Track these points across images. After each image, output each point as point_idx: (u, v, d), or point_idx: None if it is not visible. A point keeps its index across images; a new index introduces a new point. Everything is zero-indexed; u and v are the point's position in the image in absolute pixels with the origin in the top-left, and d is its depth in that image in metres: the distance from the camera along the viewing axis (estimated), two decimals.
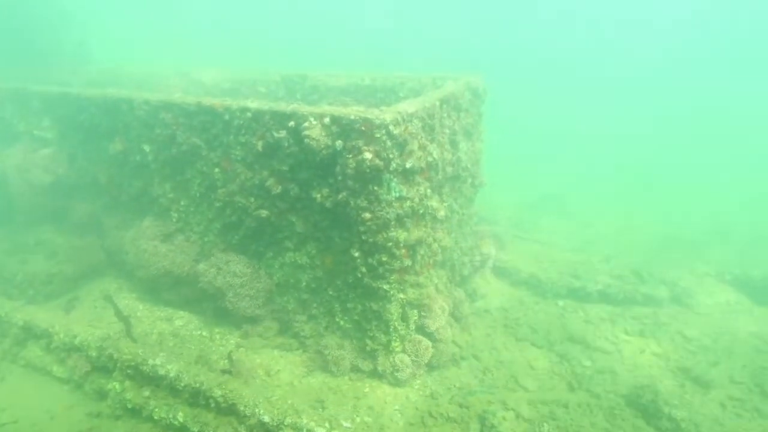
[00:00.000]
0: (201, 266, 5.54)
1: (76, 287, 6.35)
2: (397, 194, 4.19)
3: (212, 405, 4.05)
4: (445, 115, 4.82)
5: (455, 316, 5.75)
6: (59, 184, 6.84)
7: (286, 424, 3.74)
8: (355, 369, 4.98)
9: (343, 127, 4.02)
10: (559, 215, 11.20)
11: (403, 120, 4.02)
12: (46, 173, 6.86)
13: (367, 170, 4.01)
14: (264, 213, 4.86)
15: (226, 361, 4.85)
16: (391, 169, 4.06)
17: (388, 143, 3.97)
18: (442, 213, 4.96)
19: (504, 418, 4.43)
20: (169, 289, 5.95)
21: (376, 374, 4.92)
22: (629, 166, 17.48)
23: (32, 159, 6.86)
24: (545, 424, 4.30)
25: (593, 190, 14.92)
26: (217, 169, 5.06)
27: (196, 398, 4.15)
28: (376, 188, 4.12)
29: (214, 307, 5.68)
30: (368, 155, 3.96)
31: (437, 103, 4.60)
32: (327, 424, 3.79)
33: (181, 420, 4.11)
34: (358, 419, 4.32)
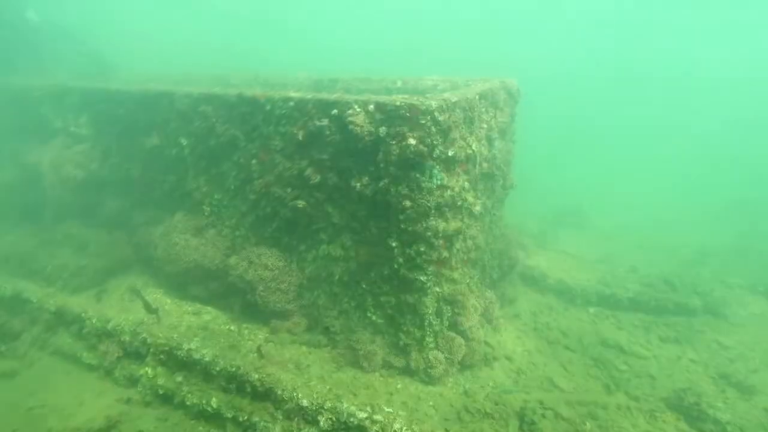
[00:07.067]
0: (232, 260, 5.53)
1: (104, 281, 6.34)
2: (439, 182, 4.20)
3: (248, 390, 3.97)
4: (483, 109, 4.87)
5: (486, 318, 5.66)
6: (90, 180, 6.93)
7: (326, 408, 3.65)
8: (386, 365, 4.88)
9: (387, 114, 4.07)
10: (580, 229, 11.11)
11: (448, 107, 4.06)
12: (78, 169, 6.96)
13: (411, 156, 4.03)
14: (301, 203, 4.87)
15: (254, 354, 4.80)
16: (434, 155, 4.08)
17: (433, 129, 4.00)
18: (477, 208, 4.95)
19: (543, 416, 4.30)
20: (197, 283, 5.92)
21: (408, 371, 4.82)
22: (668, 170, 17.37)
23: (66, 155, 6.98)
24: (587, 423, 4.16)
25: (619, 195, 14.73)
26: (254, 161, 5.11)
27: (231, 383, 4.07)
28: (418, 175, 4.13)
29: (241, 302, 5.63)
30: (412, 141, 4.00)
31: (476, 96, 4.66)
32: (369, 409, 3.69)
33: (214, 406, 4.02)
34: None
